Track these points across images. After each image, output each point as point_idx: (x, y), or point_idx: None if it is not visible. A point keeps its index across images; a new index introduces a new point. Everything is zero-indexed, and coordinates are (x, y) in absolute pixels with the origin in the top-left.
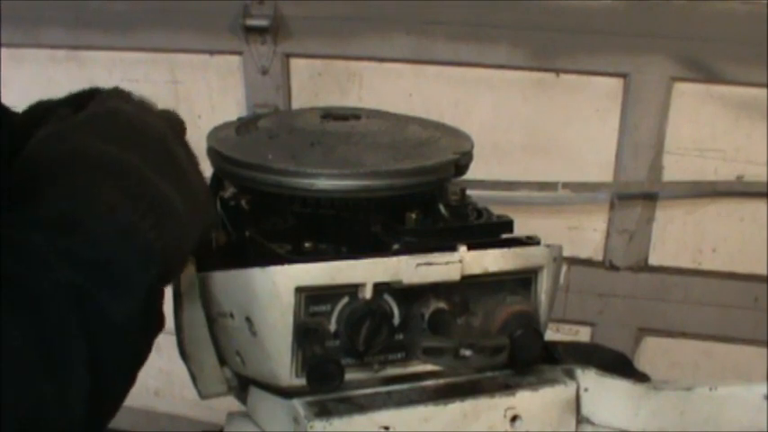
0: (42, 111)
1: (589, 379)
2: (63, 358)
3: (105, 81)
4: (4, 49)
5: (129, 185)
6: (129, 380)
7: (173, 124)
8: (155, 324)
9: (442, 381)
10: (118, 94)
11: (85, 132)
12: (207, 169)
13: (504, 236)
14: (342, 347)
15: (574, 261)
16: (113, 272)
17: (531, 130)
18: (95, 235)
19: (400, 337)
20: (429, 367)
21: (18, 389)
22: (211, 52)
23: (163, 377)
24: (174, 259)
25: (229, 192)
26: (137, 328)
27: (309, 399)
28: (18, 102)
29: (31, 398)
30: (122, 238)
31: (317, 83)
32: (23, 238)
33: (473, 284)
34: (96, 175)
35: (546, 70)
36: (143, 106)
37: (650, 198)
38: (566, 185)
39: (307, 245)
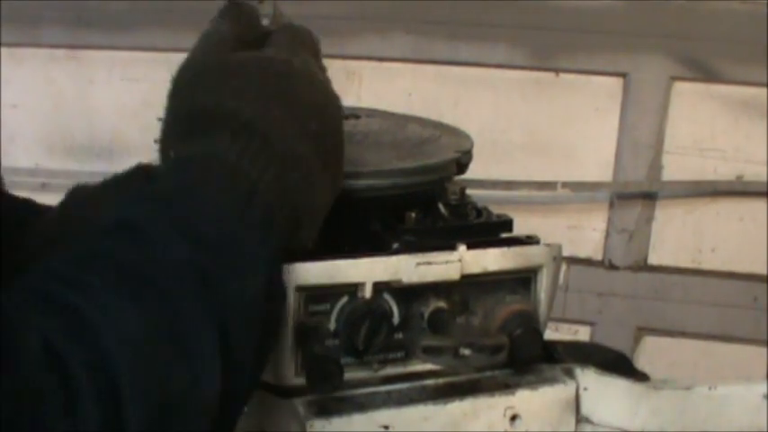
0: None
1: (589, 378)
2: (193, 344)
3: (105, 81)
4: (4, 49)
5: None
6: (260, 361)
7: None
8: (279, 295)
9: (441, 380)
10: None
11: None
12: None
13: (504, 235)
14: (341, 347)
15: (573, 260)
16: (234, 247)
17: (530, 129)
18: (212, 207)
19: (400, 336)
20: (429, 366)
21: (150, 379)
22: None
23: None
24: (303, 222)
25: None
26: (261, 305)
27: (309, 398)
28: (18, 101)
29: (165, 387)
30: (241, 207)
31: None
32: (137, 214)
33: (473, 284)
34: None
35: (545, 70)
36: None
37: (650, 197)
38: (565, 185)
39: None
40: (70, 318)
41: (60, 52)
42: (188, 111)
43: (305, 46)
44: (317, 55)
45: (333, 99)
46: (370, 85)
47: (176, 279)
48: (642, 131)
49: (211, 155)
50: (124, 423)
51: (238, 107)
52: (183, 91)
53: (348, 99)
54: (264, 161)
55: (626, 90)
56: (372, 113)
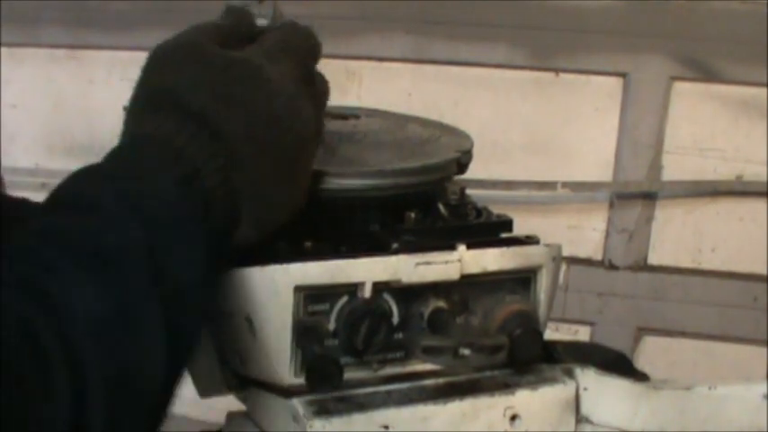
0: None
1: (588, 378)
2: (142, 319)
3: (105, 81)
4: (4, 49)
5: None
6: (198, 340)
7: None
8: (213, 284)
9: (441, 380)
10: None
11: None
12: None
13: (504, 235)
14: (341, 346)
15: (573, 260)
16: (177, 227)
17: (530, 129)
18: (156, 187)
19: (399, 336)
20: (428, 366)
21: (103, 352)
22: None
23: None
24: (241, 223)
25: None
26: (201, 289)
27: (309, 398)
28: (18, 101)
29: (117, 360)
30: (184, 189)
31: None
32: (88, 190)
33: (472, 284)
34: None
35: (545, 70)
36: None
37: (650, 197)
38: (565, 185)
39: (306, 244)
40: (35, 292)
41: (60, 52)
42: (151, 87)
43: (293, 52)
44: (307, 62)
45: (294, 114)
46: (370, 85)
47: (126, 254)
48: (642, 131)
49: (160, 136)
50: (87, 398)
51: (194, 97)
52: (154, 66)
53: (348, 99)
54: (210, 152)
55: (626, 90)
56: (372, 113)
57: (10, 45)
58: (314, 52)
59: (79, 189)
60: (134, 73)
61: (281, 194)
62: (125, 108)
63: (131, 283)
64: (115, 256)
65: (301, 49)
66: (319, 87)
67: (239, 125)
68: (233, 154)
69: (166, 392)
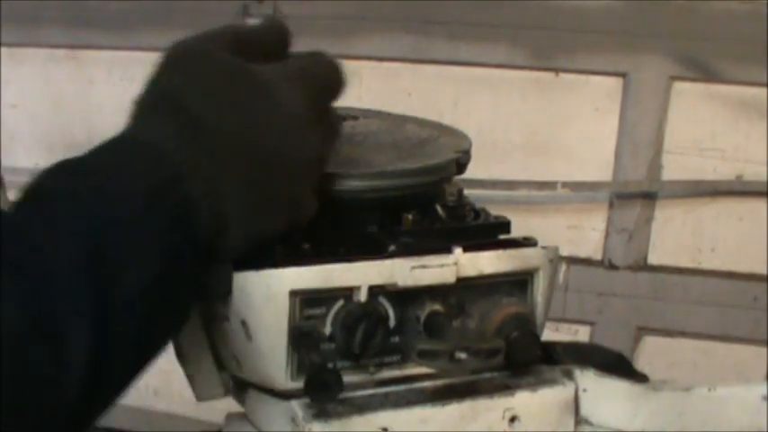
0: None
1: (588, 379)
2: (64, 331)
3: (105, 81)
4: (4, 49)
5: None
6: (136, 364)
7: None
8: (178, 305)
9: (440, 382)
10: None
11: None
12: None
13: (501, 237)
14: (337, 350)
15: (573, 260)
16: (134, 231)
17: (530, 129)
18: (125, 188)
19: (396, 339)
20: (425, 369)
21: (13, 364)
22: None
23: (162, 376)
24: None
25: None
26: (151, 303)
27: (307, 400)
28: (18, 101)
29: (26, 373)
30: (150, 195)
31: None
32: (50, 184)
33: (469, 286)
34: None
35: (545, 69)
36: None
37: (649, 197)
38: (565, 185)
39: (303, 246)
40: None
41: (60, 52)
42: (156, 87)
43: (313, 80)
44: (325, 93)
45: (298, 137)
46: (370, 85)
47: (59, 260)
48: (642, 131)
49: (147, 137)
50: None
51: (193, 102)
52: (165, 66)
53: (348, 99)
54: (198, 159)
55: (626, 90)
56: (370, 114)
57: (10, 45)
58: (336, 87)
59: (41, 181)
60: (134, 73)
61: (271, 214)
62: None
63: (59, 293)
64: (45, 262)
65: (322, 80)
66: (332, 123)
67: (237, 136)
68: (225, 164)
69: (91, 403)
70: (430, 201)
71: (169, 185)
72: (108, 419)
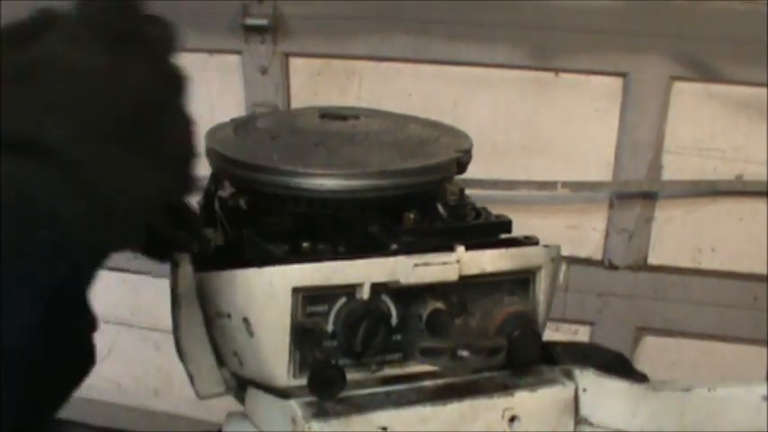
0: None
1: (587, 379)
2: None
3: None
4: None
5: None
6: (26, 409)
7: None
8: (69, 345)
9: (440, 381)
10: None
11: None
12: (205, 169)
13: (503, 236)
14: (339, 348)
15: (573, 260)
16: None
17: (530, 129)
18: None
19: (398, 337)
20: (427, 368)
21: None
22: (210, 51)
23: (162, 376)
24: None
25: (228, 191)
26: (35, 346)
27: (307, 399)
28: None
29: None
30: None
31: (317, 82)
32: None
33: (471, 285)
34: None
35: (545, 69)
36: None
37: (649, 197)
38: (565, 185)
39: (304, 245)
40: None
41: None
42: None
43: (89, 20)
44: (110, 21)
45: (117, 86)
46: (370, 85)
47: None
48: (642, 131)
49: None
50: None
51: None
52: None
53: (348, 99)
54: (56, 180)
55: (626, 90)
56: (371, 114)
57: None
58: (115, 6)
59: None
60: None
61: (143, 178)
62: None
63: None
64: None
65: (99, 12)
66: (148, 34)
67: (64, 129)
68: (74, 165)
69: None
70: (431, 200)
71: (34, 223)
72: (108, 419)
